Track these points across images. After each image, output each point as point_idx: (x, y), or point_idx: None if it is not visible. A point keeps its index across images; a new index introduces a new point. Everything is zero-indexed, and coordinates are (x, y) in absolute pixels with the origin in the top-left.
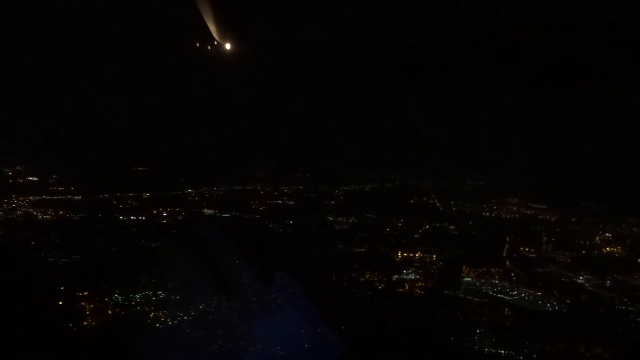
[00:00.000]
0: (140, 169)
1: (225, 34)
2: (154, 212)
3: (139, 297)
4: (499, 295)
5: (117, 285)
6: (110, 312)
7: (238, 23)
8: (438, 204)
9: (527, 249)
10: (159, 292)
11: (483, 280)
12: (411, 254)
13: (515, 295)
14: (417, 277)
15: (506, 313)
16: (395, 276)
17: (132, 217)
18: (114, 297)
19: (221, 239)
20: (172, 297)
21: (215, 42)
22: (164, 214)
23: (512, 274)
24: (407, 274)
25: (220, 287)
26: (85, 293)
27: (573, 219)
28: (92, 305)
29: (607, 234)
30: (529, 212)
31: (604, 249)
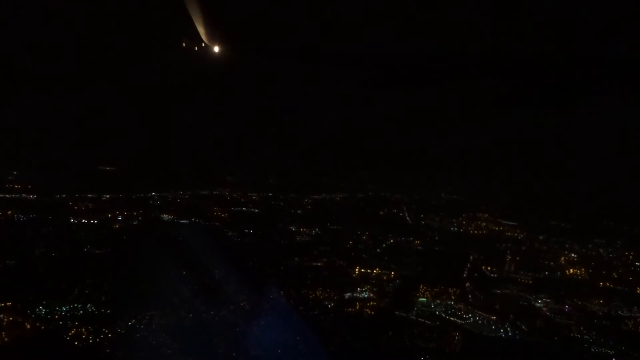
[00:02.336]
0: (107, 168)
1: (214, 36)
2: (109, 215)
3: (65, 310)
4: (452, 319)
5: (46, 296)
6: (28, 326)
7: (226, 26)
8: (407, 217)
9: (489, 268)
10: (88, 305)
11: (438, 301)
12: (369, 270)
13: (469, 318)
14: (371, 295)
15: (456, 339)
16: (348, 294)
17: (83, 221)
18: (37, 310)
19: (170, 248)
20: (102, 310)
21: (203, 44)
22: (119, 218)
23: (470, 296)
24: (361, 292)
25: (156, 301)
26: (8, 304)
27: (541, 237)
28: (10, 318)
29: (573, 255)
30: (497, 229)
31: (567, 271)
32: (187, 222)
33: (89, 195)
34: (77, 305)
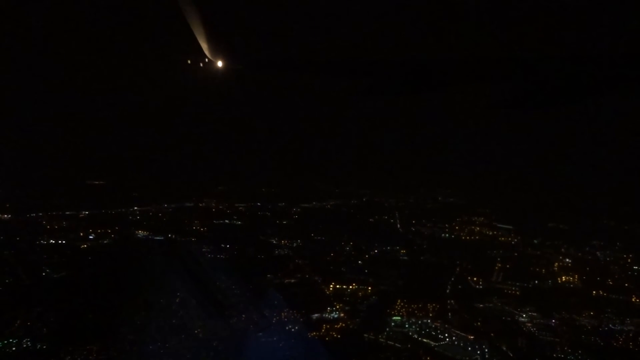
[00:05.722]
0: (96, 182)
1: (217, 51)
2: (80, 234)
3: None
4: (425, 340)
5: None
6: None
7: (229, 41)
8: (398, 224)
9: (475, 279)
10: (25, 340)
11: (413, 320)
12: (344, 286)
13: (444, 339)
14: (341, 315)
15: None
16: (316, 315)
17: (51, 241)
18: None
19: (134, 269)
20: (38, 346)
21: (207, 60)
22: (90, 237)
23: (449, 312)
24: (331, 311)
25: (101, 332)
26: None
27: (535, 241)
28: None
29: (567, 260)
30: (491, 233)
31: (559, 279)
32: (162, 238)
33: (67, 213)
34: (12, 341)
